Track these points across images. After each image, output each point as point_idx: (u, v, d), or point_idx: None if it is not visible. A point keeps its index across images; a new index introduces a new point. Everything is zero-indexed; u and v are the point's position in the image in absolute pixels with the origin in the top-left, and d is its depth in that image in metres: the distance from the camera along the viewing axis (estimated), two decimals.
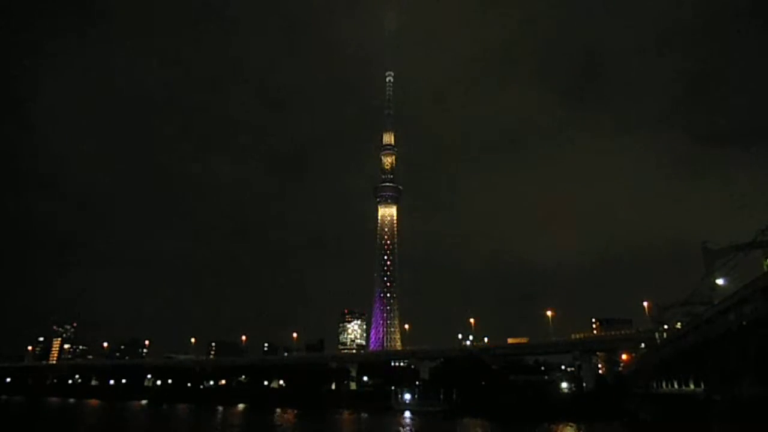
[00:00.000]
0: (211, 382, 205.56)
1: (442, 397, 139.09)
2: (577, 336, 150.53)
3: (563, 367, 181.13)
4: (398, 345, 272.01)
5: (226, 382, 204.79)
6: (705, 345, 47.10)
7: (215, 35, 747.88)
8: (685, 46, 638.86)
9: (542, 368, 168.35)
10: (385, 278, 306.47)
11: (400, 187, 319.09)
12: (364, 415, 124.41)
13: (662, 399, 74.07)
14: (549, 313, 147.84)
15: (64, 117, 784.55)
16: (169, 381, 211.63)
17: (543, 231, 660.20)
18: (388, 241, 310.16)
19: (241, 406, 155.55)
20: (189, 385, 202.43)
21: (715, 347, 44.45)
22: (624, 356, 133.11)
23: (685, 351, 55.66)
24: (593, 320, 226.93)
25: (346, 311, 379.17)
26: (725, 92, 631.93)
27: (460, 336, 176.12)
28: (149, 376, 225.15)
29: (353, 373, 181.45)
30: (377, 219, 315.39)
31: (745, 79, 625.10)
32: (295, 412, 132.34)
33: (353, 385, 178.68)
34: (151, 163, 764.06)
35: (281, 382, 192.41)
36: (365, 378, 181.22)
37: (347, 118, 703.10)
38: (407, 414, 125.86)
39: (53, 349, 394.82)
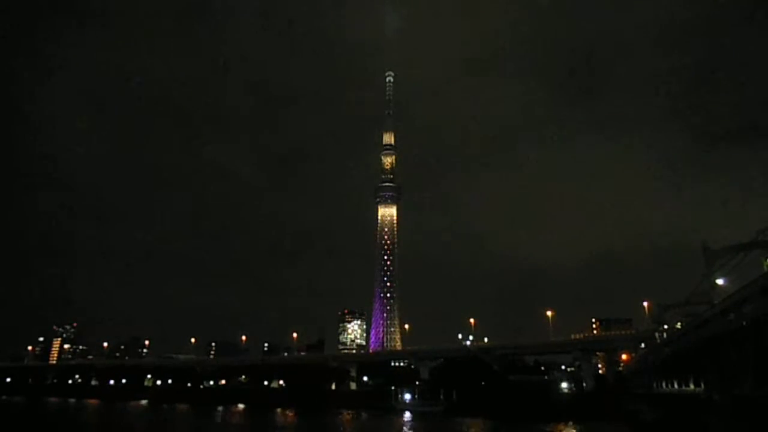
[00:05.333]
0: (211, 382, 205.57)
1: (442, 397, 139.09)
2: (577, 336, 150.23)
3: (563, 367, 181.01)
4: (398, 345, 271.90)
5: (226, 382, 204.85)
6: (705, 345, 47.08)
7: (214, 34, 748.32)
8: (685, 44, 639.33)
9: (542, 368, 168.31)
10: (385, 278, 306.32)
11: (401, 187, 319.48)
12: (364, 415, 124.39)
13: (662, 399, 73.99)
14: (549, 313, 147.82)
15: (63, 116, 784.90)
16: (169, 381, 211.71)
17: (542, 231, 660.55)
18: (388, 241, 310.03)
19: (241, 406, 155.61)
20: (189, 385, 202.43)
21: (715, 347, 44.42)
22: (624, 356, 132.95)
23: (685, 351, 55.63)
24: (593, 320, 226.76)
25: (346, 311, 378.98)
26: (725, 90, 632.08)
27: (460, 336, 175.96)
28: (149, 376, 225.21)
29: (353, 373, 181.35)
30: (377, 219, 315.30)
31: (745, 78, 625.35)
32: (295, 412, 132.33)
33: (353, 385, 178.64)
34: (149, 162, 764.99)
35: (281, 382, 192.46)
36: (365, 378, 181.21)
37: (347, 117, 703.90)
38: (407, 414, 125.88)
39: (53, 349, 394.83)
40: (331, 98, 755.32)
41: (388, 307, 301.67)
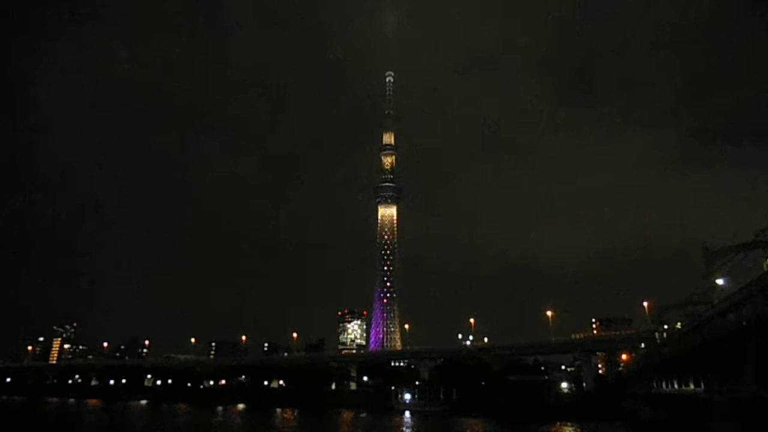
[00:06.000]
0: (211, 382, 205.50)
1: (442, 397, 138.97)
2: (577, 336, 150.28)
3: (563, 367, 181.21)
4: (398, 345, 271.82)
5: (226, 382, 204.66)
6: (705, 345, 47.08)
7: (213, 34, 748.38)
8: (684, 44, 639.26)
9: (542, 368, 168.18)
10: (385, 278, 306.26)
11: (401, 187, 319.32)
12: (364, 415, 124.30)
13: (662, 399, 73.95)
14: (549, 313, 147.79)
15: (63, 118, 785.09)
16: (169, 381, 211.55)
17: (543, 231, 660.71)
18: (388, 241, 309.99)
19: (241, 406, 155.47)
20: (189, 385, 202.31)
21: (715, 347, 44.39)
22: (624, 356, 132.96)
23: (685, 351, 55.63)
24: (593, 320, 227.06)
25: (345, 311, 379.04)
26: (725, 90, 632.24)
27: (460, 336, 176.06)
28: (149, 376, 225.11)
29: (353, 373, 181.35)
30: (377, 219, 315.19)
31: (744, 77, 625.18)
32: (295, 412, 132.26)
33: (353, 385, 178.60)
34: (149, 161, 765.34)
35: (281, 382, 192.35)
36: (365, 378, 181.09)
37: (347, 118, 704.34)
38: (407, 414, 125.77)
39: (53, 349, 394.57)
40: (332, 98, 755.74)
41: (388, 307, 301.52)
